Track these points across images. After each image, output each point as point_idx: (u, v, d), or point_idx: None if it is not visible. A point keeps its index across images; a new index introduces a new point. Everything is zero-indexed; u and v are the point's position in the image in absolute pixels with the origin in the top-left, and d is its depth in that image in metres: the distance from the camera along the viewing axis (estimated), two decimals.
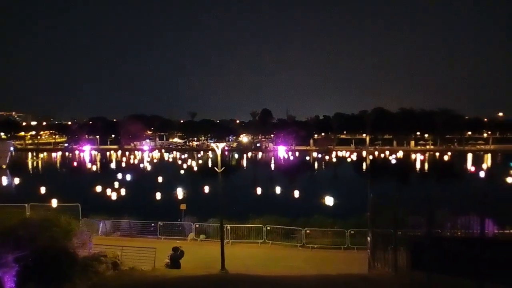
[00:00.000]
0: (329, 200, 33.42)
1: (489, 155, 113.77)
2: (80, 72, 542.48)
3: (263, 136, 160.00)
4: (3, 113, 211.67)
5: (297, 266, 17.57)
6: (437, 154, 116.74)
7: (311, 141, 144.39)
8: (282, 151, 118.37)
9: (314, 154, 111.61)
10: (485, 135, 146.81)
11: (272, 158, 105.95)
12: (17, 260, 12.05)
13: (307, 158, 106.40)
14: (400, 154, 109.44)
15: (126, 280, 13.79)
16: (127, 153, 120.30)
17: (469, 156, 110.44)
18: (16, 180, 52.98)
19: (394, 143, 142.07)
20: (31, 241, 13.57)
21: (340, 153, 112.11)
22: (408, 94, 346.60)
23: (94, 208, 28.71)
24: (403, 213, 10.87)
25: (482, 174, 59.49)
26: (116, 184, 47.35)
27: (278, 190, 43.06)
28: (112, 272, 14.93)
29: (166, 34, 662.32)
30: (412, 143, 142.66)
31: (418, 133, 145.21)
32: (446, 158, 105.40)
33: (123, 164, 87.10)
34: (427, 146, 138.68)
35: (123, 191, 43.86)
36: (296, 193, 39.82)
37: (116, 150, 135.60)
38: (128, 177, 55.73)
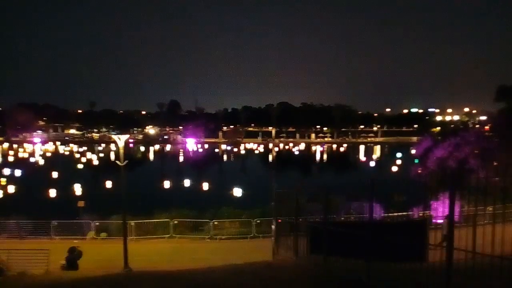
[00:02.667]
0: (237, 191, 34.15)
1: (378, 146, 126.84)
2: None
3: (171, 128, 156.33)
4: None
5: (205, 258, 17.61)
6: (334, 146, 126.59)
7: (220, 133, 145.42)
8: (191, 144, 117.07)
9: (223, 146, 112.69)
10: (375, 128, 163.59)
11: (181, 150, 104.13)
12: None
13: (216, 150, 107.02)
14: (302, 146, 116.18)
15: (14, 286, 12.36)
16: (15, 145, 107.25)
17: (362, 147, 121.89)
18: None
19: (297, 135, 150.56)
20: None
21: (248, 145, 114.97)
22: (309, 89, 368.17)
23: None
24: (303, 201, 11.57)
25: (372, 163, 66.29)
26: (2, 181, 42.05)
27: (186, 183, 42.55)
28: None
29: (63, 15, 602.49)
30: (313, 135, 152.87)
31: (318, 126, 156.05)
32: (342, 149, 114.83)
33: (11, 158, 77.58)
34: (326, 139, 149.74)
35: (10, 188, 39.16)
36: (205, 186, 39.78)
37: (1, 143, 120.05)
38: (17, 172, 49.87)
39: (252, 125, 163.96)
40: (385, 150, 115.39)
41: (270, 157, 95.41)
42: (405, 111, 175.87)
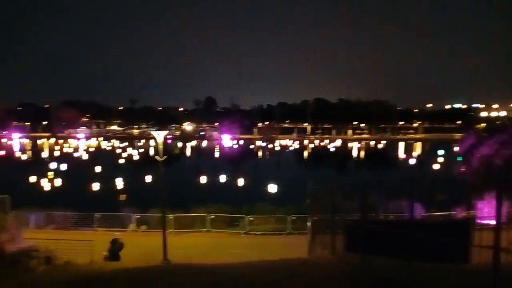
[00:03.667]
0: (272, 188, 34.21)
1: (418, 143, 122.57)
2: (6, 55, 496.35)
3: (208, 125, 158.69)
4: None
5: (240, 253, 17.80)
6: (372, 142, 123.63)
7: (255, 129, 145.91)
8: (226, 140, 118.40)
9: (258, 143, 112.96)
10: (415, 125, 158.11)
11: (217, 146, 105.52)
12: None
13: (251, 146, 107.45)
14: (338, 142, 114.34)
15: (60, 275, 13.07)
16: (60, 141, 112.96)
17: (401, 144, 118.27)
18: None
19: (333, 132, 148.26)
20: None
21: (283, 142, 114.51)
22: (346, 85, 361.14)
23: (25, 200, 26.72)
24: (339, 199, 11.42)
25: (412, 161, 64.13)
26: (50, 174, 44.50)
27: (222, 178, 43.14)
28: (45, 268, 14.06)
29: (103, 15, 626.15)
30: (350, 132, 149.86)
31: (355, 122, 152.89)
32: (380, 146, 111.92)
33: (57, 153, 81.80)
34: (363, 135, 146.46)
35: (57, 182, 41.37)
36: (240, 181, 40.12)
37: (48, 138, 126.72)
38: (63, 166, 52.55)
39: (287, 121, 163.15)
40: (426, 147, 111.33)
41: (305, 154, 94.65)
42: (448, 106, 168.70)
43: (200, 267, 10.60)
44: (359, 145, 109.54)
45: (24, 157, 76.92)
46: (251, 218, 23.44)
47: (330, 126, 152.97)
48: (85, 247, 16.44)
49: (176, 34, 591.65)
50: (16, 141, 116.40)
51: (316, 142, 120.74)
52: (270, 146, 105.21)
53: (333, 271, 8.54)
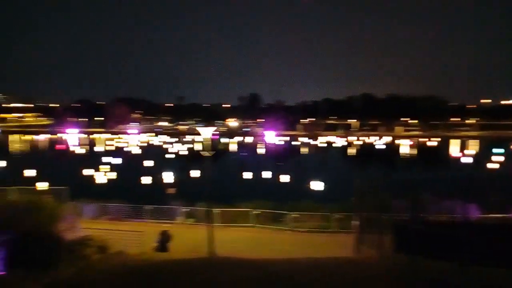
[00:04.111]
0: (317, 185, 33.84)
1: (473, 141, 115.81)
2: (65, 56, 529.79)
3: (252, 121, 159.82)
4: None
5: (284, 249, 17.81)
6: (423, 140, 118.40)
7: (299, 126, 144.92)
8: (270, 136, 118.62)
9: (302, 139, 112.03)
10: (469, 121, 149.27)
11: (260, 143, 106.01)
12: (3, 243, 11.92)
13: (295, 143, 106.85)
14: (386, 139, 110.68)
15: (113, 263, 13.80)
16: (113, 136, 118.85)
17: (454, 142, 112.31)
18: (1, 163, 51.94)
19: (381, 128, 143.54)
20: (16, 225, 13.43)
21: (327, 139, 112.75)
22: (395, 80, 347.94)
23: (81, 192, 28.46)
24: (388, 197, 11.07)
25: (466, 159, 60.68)
26: (103, 168, 47.01)
27: (266, 174, 43.31)
28: (99, 256, 14.90)
29: (153, 16, 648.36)
30: (399, 128, 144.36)
31: (405, 119, 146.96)
32: (431, 144, 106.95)
33: (110, 148, 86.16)
34: (413, 132, 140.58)
35: (110, 175, 43.64)
36: (284, 178, 40.07)
37: (102, 133, 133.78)
38: (115, 160, 55.30)
39: (333, 117, 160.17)
40: (482, 145, 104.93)
41: (351, 151, 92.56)
42: (504, 102, 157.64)
43: (246, 261, 10.76)
44: (411, 143, 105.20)
45: (81, 151, 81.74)
46: (295, 215, 23.35)
47: (378, 122, 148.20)
48: (135, 237, 17.24)
49: (222, 33, 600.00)
50: (74, 136, 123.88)
51: (363, 138, 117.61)
52: (314, 142, 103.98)
53: (381, 271, 8.32)
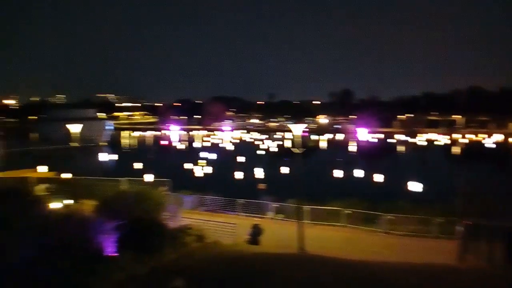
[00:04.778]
0: (415, 186, 31.57)
1: None
2: (167, 57, 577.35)
3: (343, 117, 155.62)
4: (101, 95, 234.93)
5: (377, 251, 17.06)
6: None
7: (395, 122, 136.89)
8: (362, 133, 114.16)
9: (399, 137, 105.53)
10: None
11: (353, 140, 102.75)
12: (116, 228, 13.50)
13: (391, 140, 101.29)
14: (498, 137, 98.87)
15: (210, 252, 14.69)
16: (209, 133, 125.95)
17: None
18: (114, 156, 58.77)
19: (492, 125, 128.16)
20: (127, 212, 15.09)
21: (428, 136, 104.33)
22: (504, 72, 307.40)
23: (181, 184, 30.63)
24: (498, 202, 9.91)
25: None
26: (201, 162, 50.17)
27: (358, 173, 41.82)
28: (197, 244, 15.99)
29: (251, 16, 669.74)
30: None
31: None
32: None
33: (206, 144, 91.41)
34: None
35: (206, 169, 46.41)
36: (378, 177, 38.30)
37: (199, 130, 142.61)
38: (211, 156, 58.60)
39: (434, 113, 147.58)
40: None
41: (456, 150, 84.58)
42: None
43: (338, 260, 10.59)
44: None
45: (181, 146, 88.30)
46: (390, 217, 22.17)
47: (487, 118, 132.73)
48: (229, 229, 18.14)
49: (311, 30, 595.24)
50: (175, 132, 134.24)
51: (469, 136, 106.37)
52: (412, 140, 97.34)
53: (490, 283, 7.51)
